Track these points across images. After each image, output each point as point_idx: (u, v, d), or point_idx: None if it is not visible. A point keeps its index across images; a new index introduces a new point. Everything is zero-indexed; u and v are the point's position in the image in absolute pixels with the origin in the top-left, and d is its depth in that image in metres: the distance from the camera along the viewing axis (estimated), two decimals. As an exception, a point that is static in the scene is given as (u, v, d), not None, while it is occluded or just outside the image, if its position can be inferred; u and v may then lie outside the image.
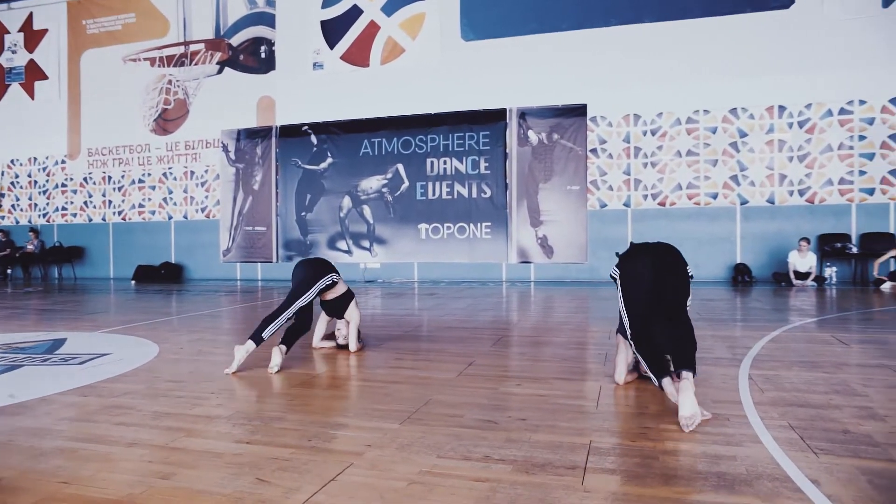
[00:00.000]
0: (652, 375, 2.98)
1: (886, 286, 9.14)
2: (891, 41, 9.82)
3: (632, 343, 3.10)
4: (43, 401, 3.20)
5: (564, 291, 9.68)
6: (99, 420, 2.83)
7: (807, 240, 9.79)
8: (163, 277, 13.09)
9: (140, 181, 14.10)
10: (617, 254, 3.42)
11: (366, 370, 3.97)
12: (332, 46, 12.51)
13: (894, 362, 3.89)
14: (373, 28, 12.31)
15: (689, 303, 3.21)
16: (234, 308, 7.90)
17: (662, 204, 11.09)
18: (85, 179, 14.55)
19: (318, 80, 12.64)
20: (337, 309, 4.53)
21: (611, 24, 11.12)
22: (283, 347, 3.99)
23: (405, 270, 12.27)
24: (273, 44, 12.96)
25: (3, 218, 15.25)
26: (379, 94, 11.99)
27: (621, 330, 3.42)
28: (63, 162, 14.70)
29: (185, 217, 13.75)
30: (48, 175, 14.87)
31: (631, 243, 3.48)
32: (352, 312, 4.50)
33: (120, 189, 14.27)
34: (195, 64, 13.46)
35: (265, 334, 3.95)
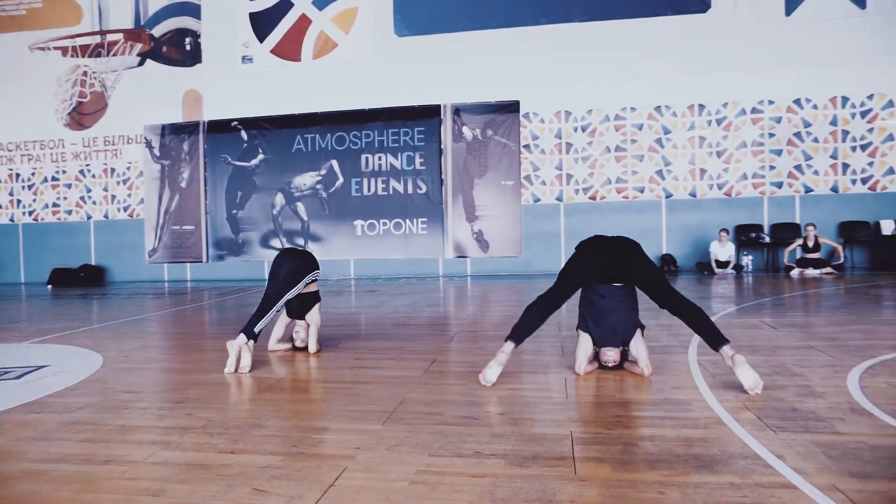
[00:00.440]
0: (510, 338, 3.39)
1: (795, 272, 9.92)
2: (794, 46, 10.62)
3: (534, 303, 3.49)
4: (-10, 420, 3.00)
5: (502, 285, 9.89)
6: (61, 438, 2.69)
7: (726, 230, 10.48)
8: (82, 281, 12.34)
9: (54, 179, 13.20)
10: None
11: (330, 371, 3.95)
12: (261, 40, 12.16)
13: (819, 343, 4.27)
14: (304, 22, 12.07)
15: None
16: (172, 311, 7.59)
17: (593, 198, 11.53)
18: (-12, 177, 13.47)
19: (248, 74, 12.27)
20: (302, 309, 4.49)
21: (541, 23, 11.43)
22: (250, 342, 3.97)
23: (341, 268, 12.16)
24: (199, 36, 12.44)
25: None
26: (311, 89, 11.77)
27: (581, 325, 3.61)
28: (-38, 159, 13.55)
29: (106, 216, 13.01)
30: (-55, 173, 13.67)
31: (594, 235, 3.68)
32: (315, 314, 4.46)
33: (31, 187, 13.30)
34: (113, 55, 12.72)
35: (257, 328, 3.96)
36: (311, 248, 5.97)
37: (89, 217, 13.08)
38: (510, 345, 3.37)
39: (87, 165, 13.04)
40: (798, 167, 10.93)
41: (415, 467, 2.22)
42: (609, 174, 11.47)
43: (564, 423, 2.70)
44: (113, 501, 2.02)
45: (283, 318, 4.63)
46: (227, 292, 9.87)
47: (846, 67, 10.57)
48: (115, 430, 2.79)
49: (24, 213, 13.40)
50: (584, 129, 11.53)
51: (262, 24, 12.18)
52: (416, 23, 11.77)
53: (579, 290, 3.59)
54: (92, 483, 2.18)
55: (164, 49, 12.53)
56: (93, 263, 12.91)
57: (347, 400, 3.22)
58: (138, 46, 12.57)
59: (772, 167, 11.00)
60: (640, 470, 2.12)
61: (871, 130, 10.72)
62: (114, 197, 12.97)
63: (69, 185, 13.15)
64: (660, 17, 11.05)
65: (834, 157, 10.83)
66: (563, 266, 3.63)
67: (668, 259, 11.02)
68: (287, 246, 5.89)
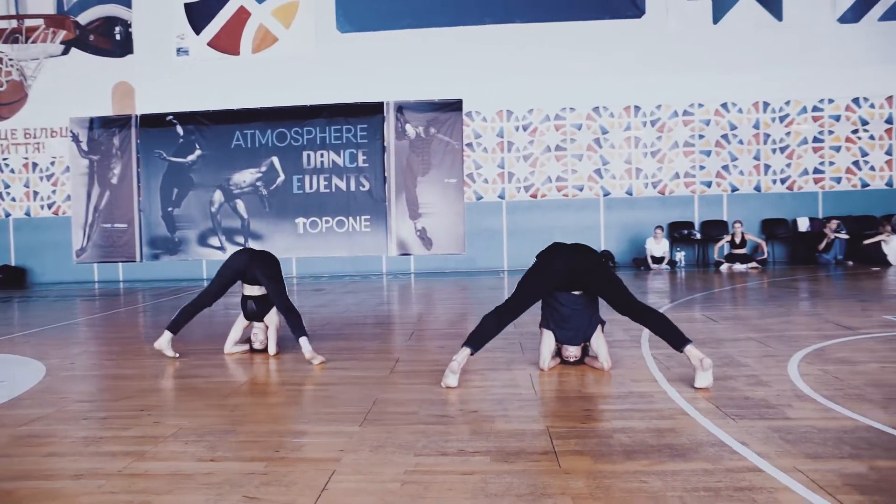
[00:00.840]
0: (466, 344, 3.41)
1: (724, 267, 10.52)
2: (720, 52, 11.22)
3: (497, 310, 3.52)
4: (-66, 437, 2.81)
5: (446, 282, 9.99)
6: (22, 454, 2.56)
7: (661, 227, 10.97)
8: (2, 283, 11.55)
9: (-34, 174, 12.29)
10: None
11: (294, 374, 3.92)
12: (198, 32, 11.73)
13: (757, 335, 4.57)
14: (243, 14, 11.72)
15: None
16: (107, 314, 7.24)
17: (534, 196, 11.80)
18: None
19: (184, 67, 11.80)
20: (261, 310, 4.42)
21: (485, 23, 11.57)
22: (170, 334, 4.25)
23: (283, 266, 11.86)
24: (129, 25, 11.86)
25: None
26: (251, 84, 11.45)
27: (543, 324, 3.71)
28: None
29: (28, 214, 12.22)
30: None
31: (554, 242, 3.77)
32: (273, 316, 4.41)
33: (-61, 183, 12.34)
34: (33, 42, 11.92)
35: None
36: (252, 245, 5.87)
37: (8, 214, 12.25)
38: (466, 351, 3.38)
39: (4, 160, 12.20)
40: (725, 167, 11.57)
41: (403, 468, 2.25)
42: (549, 173, 11.77)
43: (538, 418, 2.80)
44: (97, 516, 1.96)
45: (241, 321, 4.53)
46: (163, 293, 9.51)
47: (766, 74, 11.26)
48: (78, 441, 2.68)
49: (-68, 211, 12.42)
50: (525, 129, 11.77)
51: (198, 15, 11.74)
52: (359, 19, 11.66)
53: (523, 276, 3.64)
54: (68, 499, 2.09)
55: (92, 38, 11.86)
56: (13, 264, 12.11)
57: (319, 402, 3.21)
58: (62, 34, 11.83)
59: (702, 167, 11.60)
60: (619, 461, 2.24)
61: (788, 134, 11.48)
62: (36, 193, 12.20)
63: (-15, 181, 12.29)
64: (597, 21, 11.41)
65: (757, 158, 11.53)
66: (523, 276, 3.63)
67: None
68: (247, 246, 5.75)
